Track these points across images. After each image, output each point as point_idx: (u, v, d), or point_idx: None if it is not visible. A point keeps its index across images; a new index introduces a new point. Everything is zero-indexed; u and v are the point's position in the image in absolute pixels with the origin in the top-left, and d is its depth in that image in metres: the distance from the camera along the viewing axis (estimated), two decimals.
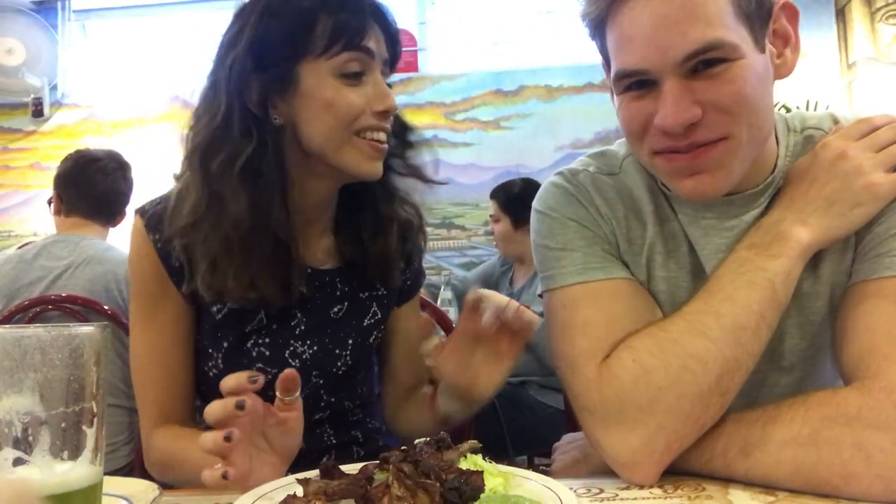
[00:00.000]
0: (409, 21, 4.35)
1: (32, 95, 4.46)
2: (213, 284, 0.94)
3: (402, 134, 1.06)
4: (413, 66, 4.28)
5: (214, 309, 1.01)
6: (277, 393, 0.77)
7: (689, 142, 0.78)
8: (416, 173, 1.08)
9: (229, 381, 0.73)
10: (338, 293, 1.07)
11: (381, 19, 0.97)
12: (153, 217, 1.01)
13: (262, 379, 0.73)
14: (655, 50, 0.76)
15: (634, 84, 0.79)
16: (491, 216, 2.99)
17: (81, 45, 4.62)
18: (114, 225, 2.19)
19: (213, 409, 0.73)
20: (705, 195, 0.82)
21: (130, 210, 2.19)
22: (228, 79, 0.94)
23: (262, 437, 0.78)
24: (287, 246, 0.96)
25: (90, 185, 2.10)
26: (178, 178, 1.02)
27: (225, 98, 0.94)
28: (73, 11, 4.60)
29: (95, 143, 4.42)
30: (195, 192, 0.95)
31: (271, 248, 0.95)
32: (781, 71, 0.82)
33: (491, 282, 3.02)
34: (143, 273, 1.01)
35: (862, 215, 0.79)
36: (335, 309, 1.07)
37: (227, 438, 0.70)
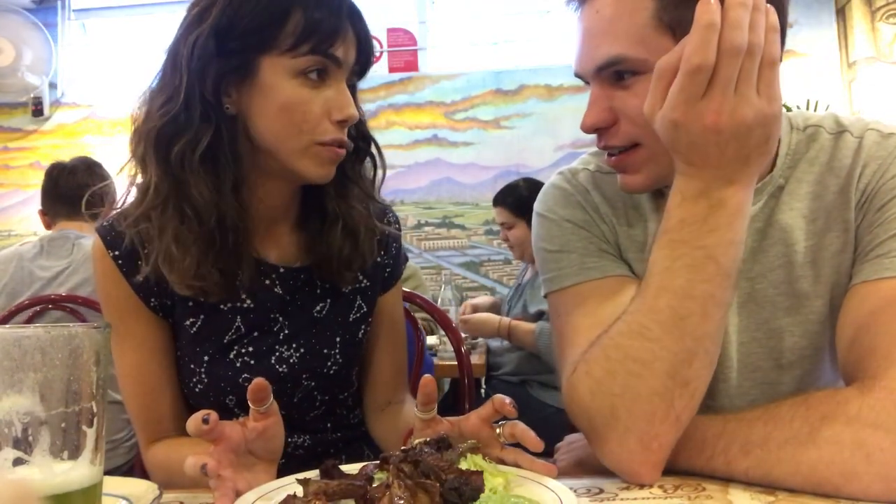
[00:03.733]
0: (409, 21, 4.35)
1: (32, 95, 4.46)
2: (163, 272, 0.91)
3: (361, 140, 1.02)
4: (413, 66, 4.28)
5: (188, 323, 0.98)
6: (251, 405, 0.74)
7: (603, 145, 0.85)
8: (361, 184, 1.04)
9: (190, 428, 0.71)
10: (318, 291, 1.04)
11: (357, 23, 0.93)
12: (112, 233, 0.97)
13: (213, 416, 0.70)
14: (580, 59, 0.84)
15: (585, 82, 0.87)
16: (502, 224, 2.94)
17: (81, 44, 4.62)
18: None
19: (188, 468, 0.70)
20: (632, 191, 0.88)
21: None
22: (190, 58, 0.89)
23: (246, 453, 0.76)
24: (236, 236, 0.93)
25: (58, 188, 2.23)
26: (139, 187, 0.96)
27: (185, 79, 0.89)
28: (73, 10, 4.59)
29: (95, 142, 4.43)
30: (153, 179, 0.91)
31: (224, 238, 0.92)
32: None
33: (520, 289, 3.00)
34: (109, 292, 0.98)
35: (769, 140, 0.73)
36: (317, 308, 1.04)
37: (203, 471, 0.68)
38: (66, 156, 2.46)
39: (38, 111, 4.49)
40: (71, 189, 2.19)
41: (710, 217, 0.73)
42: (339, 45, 0.90)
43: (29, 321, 1.84)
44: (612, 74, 0.81)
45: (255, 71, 0.89)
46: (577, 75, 0.86)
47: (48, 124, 4.55)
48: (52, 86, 4.54)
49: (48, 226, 2.25)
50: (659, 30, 0.77)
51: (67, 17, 4.58)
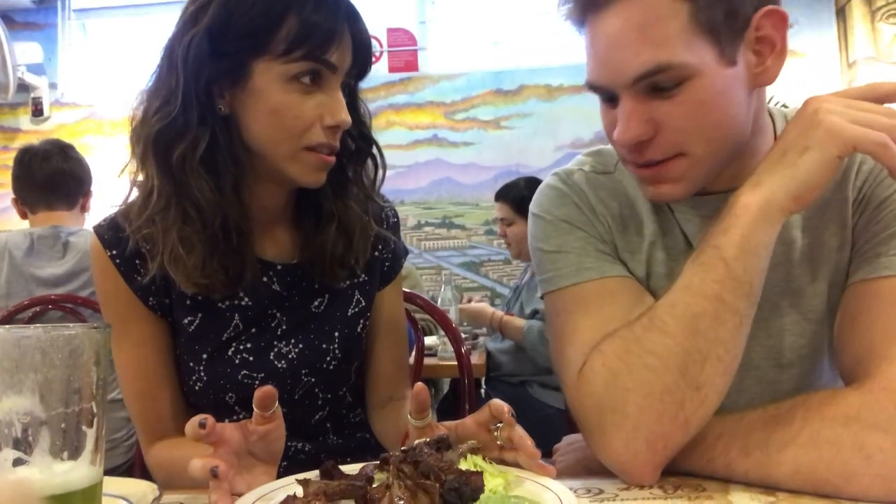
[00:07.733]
0: (409, 21, 4.35)
1: (32, 95, 4.46)
2: (169, 272, 0.92)
3: (361, 140, 1.02)
4: (413, 66, 4.28)
5: (186, 321, 0.98)
6: (256, 409, 0.74)
7: (644, 160, 0.81)
8: (360, 185, 1.04)
9: (188, 432, 0.70)
10: (315, 286, 1.04)
11: (354, 26, 0.91)
12: (109, 233, 0.98)
13: (210, 421, 0.69)
14: (609, 70, 0.78)
15: (603, 95, 0.82)
16: (502, 220, 2.94)
17: (81, 44, 4.62)
18: (84, 211, 2.14)
19: (194, 470, 0.69)
20: (667, 200, 0.86)
21: (97, 193, 2.17)
22: (185, 58, 0.88)
23: (246, 454, 0.75)
24: (239, 236, 0.94)
25: (32, 175, 2.06)
26: (140, 189, 0.96)
27: (182, 81, 0.88)
28: (73, 10, 4.59)
29: (95, 142, 4.43)
30: (154, 181, 0.91)
31: (227, 237, 0.92)
32: (762, 79, 0.79)
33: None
34: (108, 292, 0.99)
35: (813, 161, 0.71)
36: (315, 303, 1.04)
37: (214, 474, 0.68)
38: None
39: (38, 111, 4.49)
40: (46, 175, 2.04)
41: (726, 216, 0.74)
42: (333, 50, 0.89)
43: (29, 321, 1.83)
44: (648, 85, 0.76)
45: (247, 74, 0.89)
46: (597, 87, 0.81)
47: (48, 124, 4.55)
48: (52, 86, 4.54)
49: (24, 215, 2.11)
50: (698, 33, 0.74)
51: (67, 17, 4.58)
